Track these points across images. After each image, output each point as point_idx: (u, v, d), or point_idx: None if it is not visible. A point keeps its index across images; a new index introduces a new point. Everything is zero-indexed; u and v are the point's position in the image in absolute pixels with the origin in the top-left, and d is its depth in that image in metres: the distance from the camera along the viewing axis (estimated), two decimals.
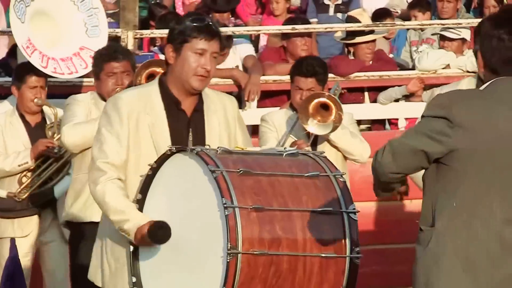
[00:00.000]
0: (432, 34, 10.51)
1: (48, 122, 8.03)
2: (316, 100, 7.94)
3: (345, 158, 8.13)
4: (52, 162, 8.40)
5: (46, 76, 8.51)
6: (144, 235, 4.99)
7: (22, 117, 7.99)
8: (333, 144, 7.81)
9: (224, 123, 5.54)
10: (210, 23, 5.51)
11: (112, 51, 8.24)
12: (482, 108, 4.21)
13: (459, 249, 4.12)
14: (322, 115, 7.91)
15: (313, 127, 7.96)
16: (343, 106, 8.32)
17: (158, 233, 4.92)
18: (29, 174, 8.44)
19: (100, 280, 5.38)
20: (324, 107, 8.00)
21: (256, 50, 11.19)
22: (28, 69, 8.37)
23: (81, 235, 7.58)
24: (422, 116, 4.27)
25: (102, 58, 7.82)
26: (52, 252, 8.63)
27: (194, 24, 5.26)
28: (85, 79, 9.97)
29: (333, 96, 8.09)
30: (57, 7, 9.94)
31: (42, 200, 8.49)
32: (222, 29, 10.48)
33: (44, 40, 9.72)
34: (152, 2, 12.20)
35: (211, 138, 5.36)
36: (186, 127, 5.36)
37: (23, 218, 8.59)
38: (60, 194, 8.59)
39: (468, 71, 9.78)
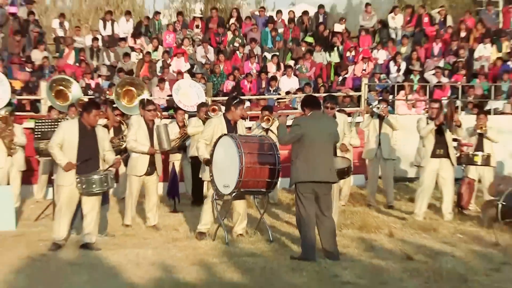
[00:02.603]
0: None
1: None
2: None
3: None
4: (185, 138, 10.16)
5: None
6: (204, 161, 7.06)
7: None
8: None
9: (243, 127, 7.49)
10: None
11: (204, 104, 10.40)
12: (311, 121, 6.23)
13: (307, 162, 6.10)
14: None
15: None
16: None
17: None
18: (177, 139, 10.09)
19: (202, 175, 7.54)
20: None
21: None
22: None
23: (195, 162, 9.33)
24: (293, 124, 6.25)
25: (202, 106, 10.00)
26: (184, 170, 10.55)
27: (239, 99, 7.40)
28: None
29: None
30: (188, 87, 12.59)
31: (179, 147, 10.25)
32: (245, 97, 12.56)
33: (182, 98, 12.20)
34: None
35: (239, 131, 7.31)
36: (233, 128, 7.29)
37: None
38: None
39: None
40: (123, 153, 8.44)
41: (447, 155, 8.60)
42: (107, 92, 12.86)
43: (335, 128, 6.48)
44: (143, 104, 8.39)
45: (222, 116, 7.48)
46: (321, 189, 6.17)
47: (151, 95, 12.40)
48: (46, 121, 9.25)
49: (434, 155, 8.59)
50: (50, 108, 11.07)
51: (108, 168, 6.96)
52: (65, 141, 6.75)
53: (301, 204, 6.18)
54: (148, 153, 8.10)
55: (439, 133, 8.53)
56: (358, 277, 5.56)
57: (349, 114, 10.65)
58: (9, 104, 11.20)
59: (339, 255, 6.29)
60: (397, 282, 5.41)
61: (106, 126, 9.11)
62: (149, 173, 8.18)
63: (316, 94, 12.43)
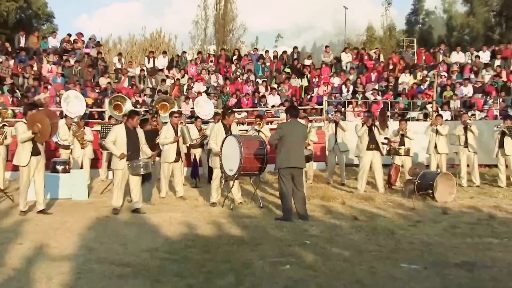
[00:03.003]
0: None
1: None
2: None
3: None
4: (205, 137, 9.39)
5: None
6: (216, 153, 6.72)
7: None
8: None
9: (236, 128, 7.22)
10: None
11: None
12: (289, 125, 6.08)
13: (286, 154, 5.94)
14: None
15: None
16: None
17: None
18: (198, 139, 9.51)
19: (212, 163, 7.20)
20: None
21: None
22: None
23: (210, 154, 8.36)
24: (277, 128, 6.14)
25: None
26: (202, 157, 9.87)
27: (230, 110, 7.11)
28: None
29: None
30: (204, 102, 12.40)
31: (201, 143, 9.62)
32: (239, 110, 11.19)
33: (200, 110, 11.92)
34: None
35: (233, 131, 6.96)
36: (228, 130, 6.99)
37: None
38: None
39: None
40: (157, 148, 8.20)
41: (377, 148, 8.46)
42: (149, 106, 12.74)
43: (305, 131, 6.38)
44: (170, 113, 8.33)
45: (221, 122, 7.25)
46: (295, 172, 6.04)
47: (179, 108, 12.26)
48: (108, 125, 9.22)
49: (368, 148, 8.44)
50: (110, 117, 10.93)
51: (147, 158, 6.80)
52: (117, 138, 6.57)
53: (282, 182, 6.04)
54: (173, 141, 7.91)
55: (371, 134, 8.45)
56: (320, 231, 5.50)
57: (311, 120, 10.54)
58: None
59: (308, 217, 6.13)
60: (347, 235, 5.35)
61: (156, 129, 8.66)
62: (176, 160, 8.02)
63: None
